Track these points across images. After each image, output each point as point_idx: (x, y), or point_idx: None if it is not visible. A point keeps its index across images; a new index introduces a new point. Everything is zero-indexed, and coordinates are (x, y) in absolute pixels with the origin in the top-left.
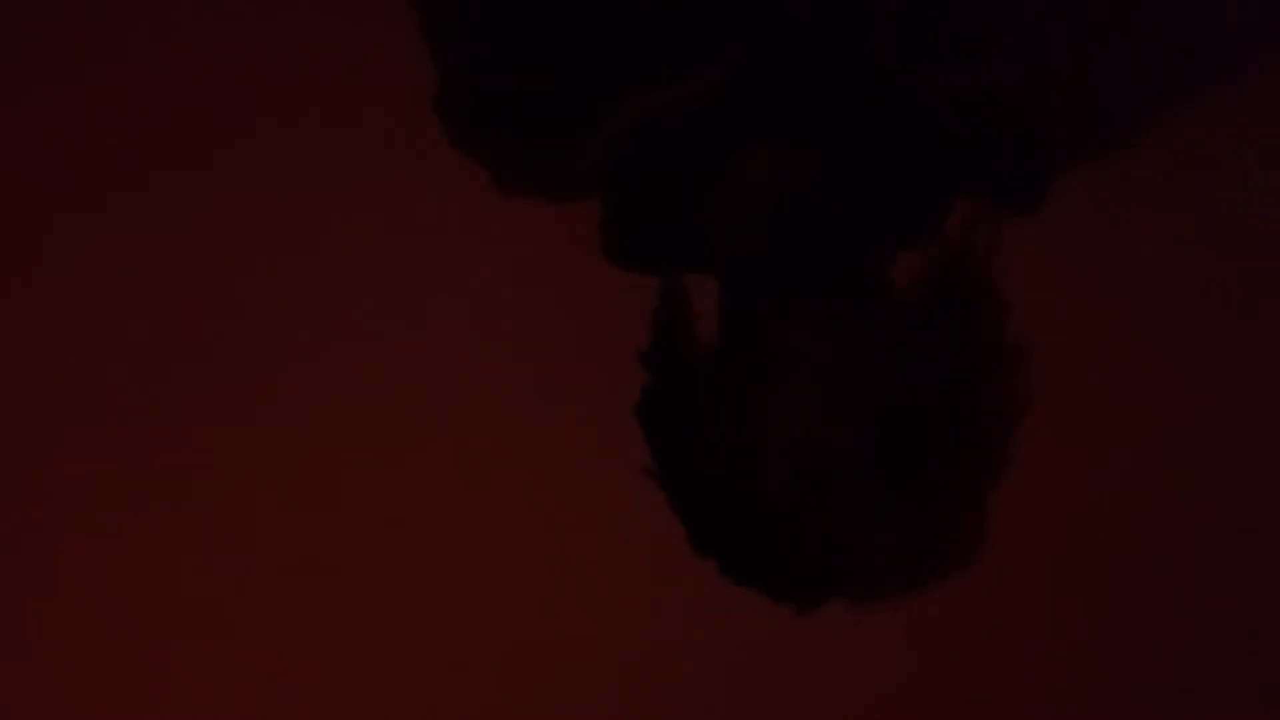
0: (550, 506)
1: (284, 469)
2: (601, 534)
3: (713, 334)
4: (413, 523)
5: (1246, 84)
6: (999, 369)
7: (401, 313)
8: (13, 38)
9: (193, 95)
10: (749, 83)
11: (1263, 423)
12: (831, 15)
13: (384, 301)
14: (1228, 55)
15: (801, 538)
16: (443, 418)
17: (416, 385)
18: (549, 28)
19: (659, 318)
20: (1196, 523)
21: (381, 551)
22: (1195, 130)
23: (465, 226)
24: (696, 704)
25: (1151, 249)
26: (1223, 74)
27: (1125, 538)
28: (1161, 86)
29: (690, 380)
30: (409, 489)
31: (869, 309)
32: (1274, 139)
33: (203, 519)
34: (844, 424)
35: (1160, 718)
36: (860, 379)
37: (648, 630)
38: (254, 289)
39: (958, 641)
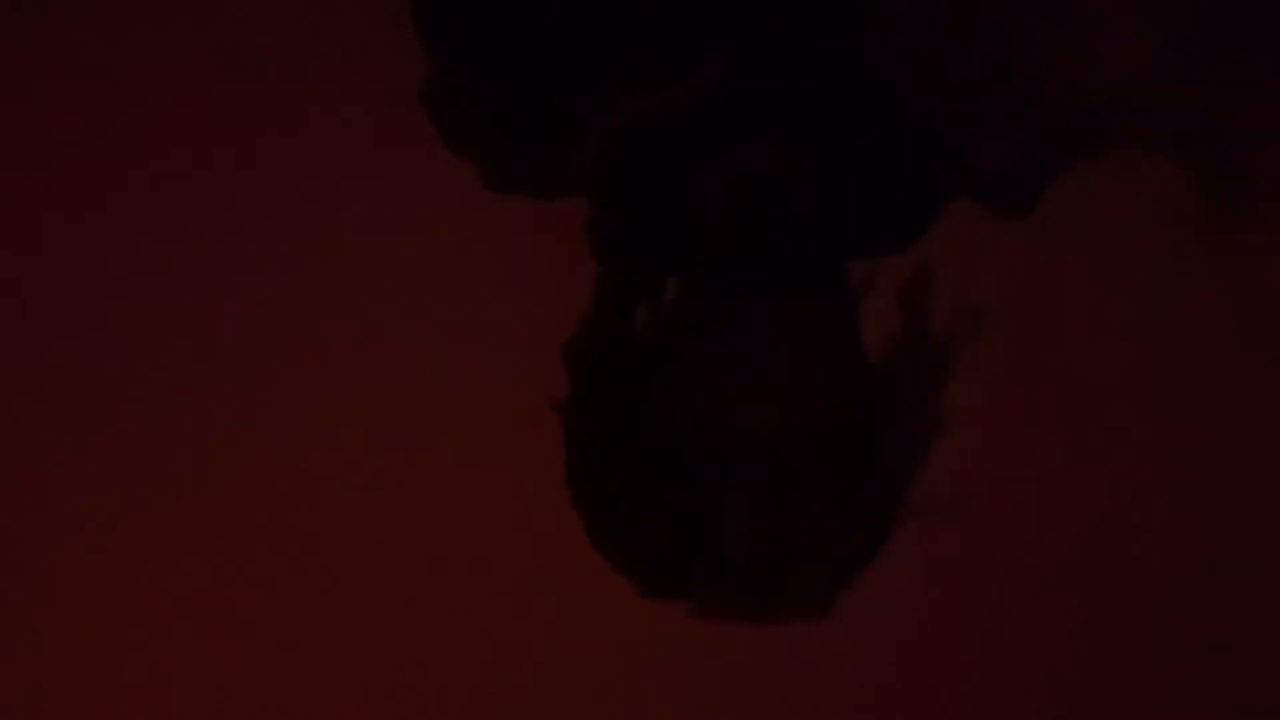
0: (537, 503)
1: (278, 468)
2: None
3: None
4: (404, 520)
5: (1246, 85)
6: (932, 396)
7: (389, 311)
8: (12, 40)
9: (185, 95)
10: (739, 84)
11: (1263, 423)
12: (823, 19)
13: (372, 300)
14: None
15: (710, 534)
16: (430, 417)
17: (405, 384)
18: (541, 28)
19: (600, 299)
20: (1196, 523)
21: (377, 548)
22: (1196, 131)
23: (453, 225)
24: (688, 703)
25: (1147, 250)
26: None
27: (1125, 537)
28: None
29: (630, 361)
30: (399, 487)
31: (841, 312)
32: (1274, 139)
33: (199, 518)
34: (783, 424)
35: (1159, 718)
36: (809, 382)
37: (644, 630)
38: (245, 288)
39: (955, 642)
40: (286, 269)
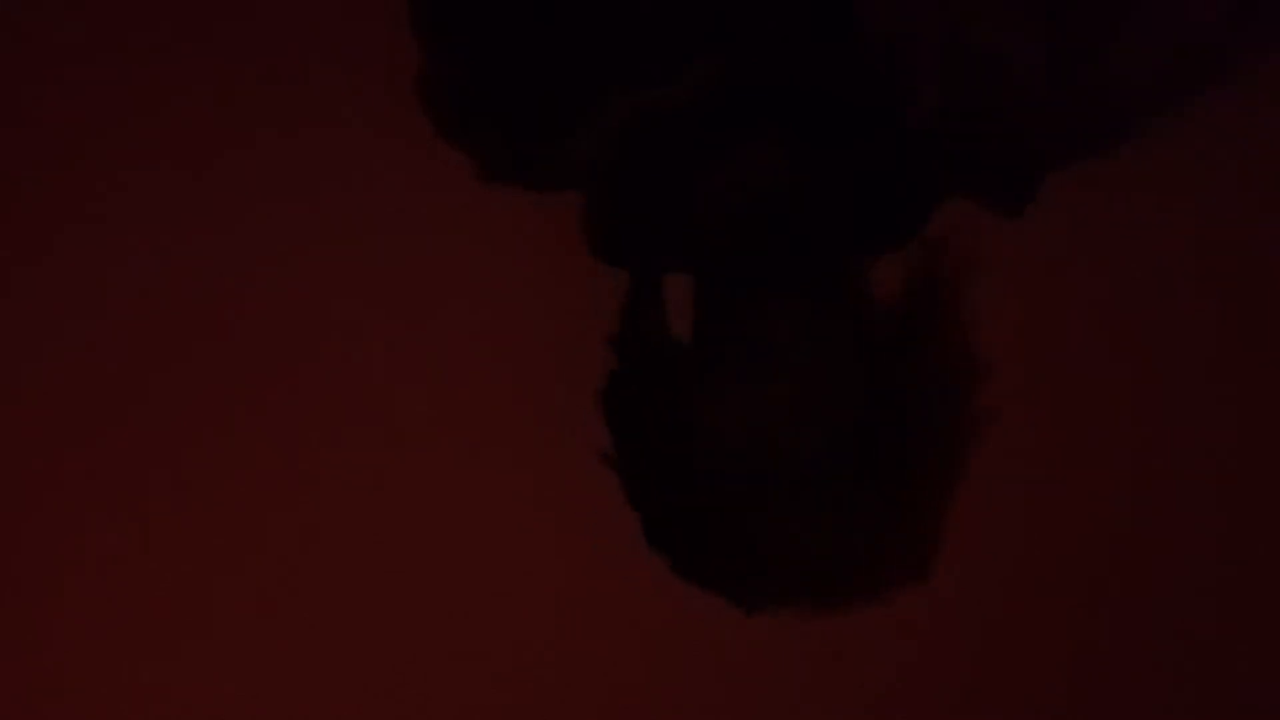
0: (540, 498)
1: (280, 467)
2: (590, 527)
3: (684, 328)
4: (398, 517)
5: (1246, 84)
6: (959, 390)
7: (390, 310)
8: (12, 40)
9: (184, 94)
10: (739, 84)
11: (1263, 423)
12: (819, 18)
13: (372, 298)
14: (1226, 54)
15: (743, 535)
16: (434, 412)
17: (406, 383)
18: (540, 27)
19: (629, 305)
20: (1195, 523)
21: (377, 547)
22: (1194, 130)
23: (454, 224)
24: (683, 703)
25: (1145, 249)
26: (1221, 73)
27: (1126, 536)
28: (1157, 85)
29: (655, 367)
30: (400, 485)
31: (844, 310)
32: (1273, 139)
33: (198, 518)
34: (798, 425)
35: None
36: (823, 382)
37: (642, 627)
38: (244, 287)
39: (956, 642)
40: (285, 268)
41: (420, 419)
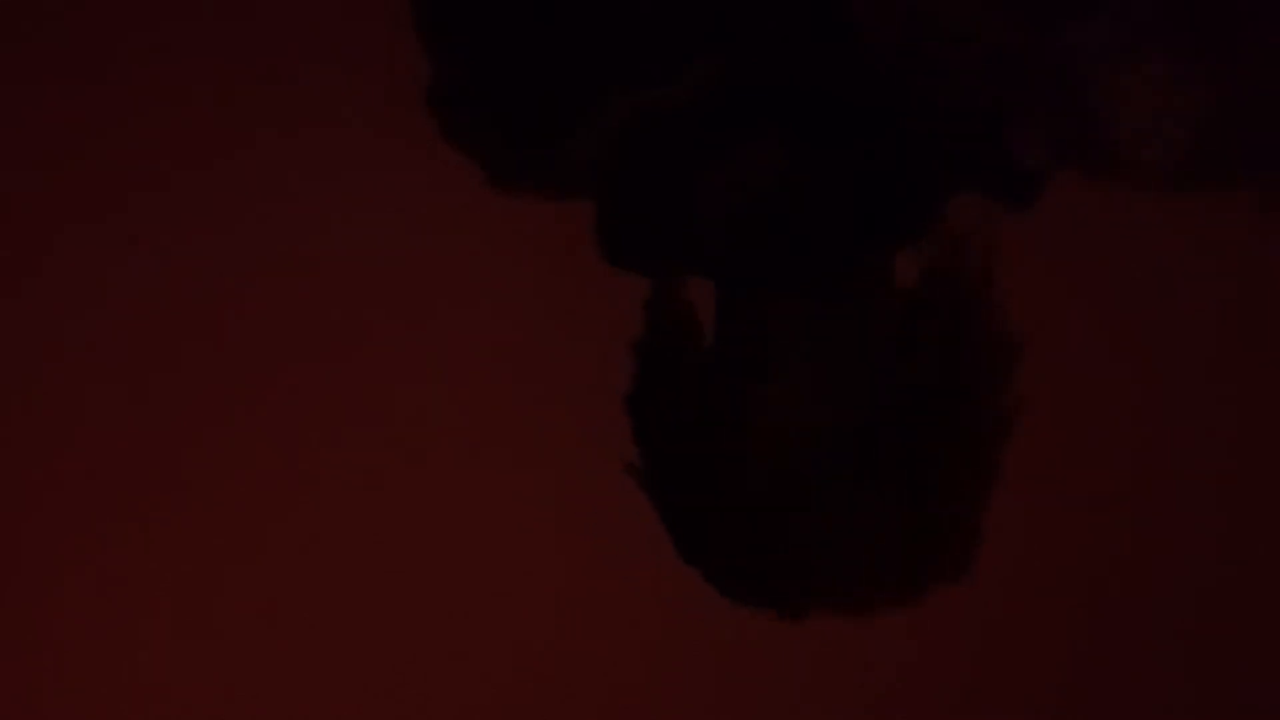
0: (542, 500)
1: (281, 468)
2: (599, 529)
3: (709, 331)
4: (407, 517)
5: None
6: (993, 372)
7: (397, 309)
8: (12, 41)
9: (185, 95)
10: (739, 84)
11: (1263, 423)
12: (822, 18)
13: (379, 298)
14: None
15: (782, 537)
16: (438, 414)
17: (412, 382)
18: (541, 28)
19: (653, 312)
20: (1196, 523)
21: (380, 548)
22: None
23: (462, 224)
24: (685, 704)
25: (1145, 249)
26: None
27: (1124, 538)
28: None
29: (680, 373)
30: (402, 487)
31: (863, 307)
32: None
33: (199, 518)
34: (830, 423)
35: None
36: (850, 378)
37: (643, 629)
38: (246, 289)
39: (956, 642)
40: (285, 268)
41: (420, 420)
